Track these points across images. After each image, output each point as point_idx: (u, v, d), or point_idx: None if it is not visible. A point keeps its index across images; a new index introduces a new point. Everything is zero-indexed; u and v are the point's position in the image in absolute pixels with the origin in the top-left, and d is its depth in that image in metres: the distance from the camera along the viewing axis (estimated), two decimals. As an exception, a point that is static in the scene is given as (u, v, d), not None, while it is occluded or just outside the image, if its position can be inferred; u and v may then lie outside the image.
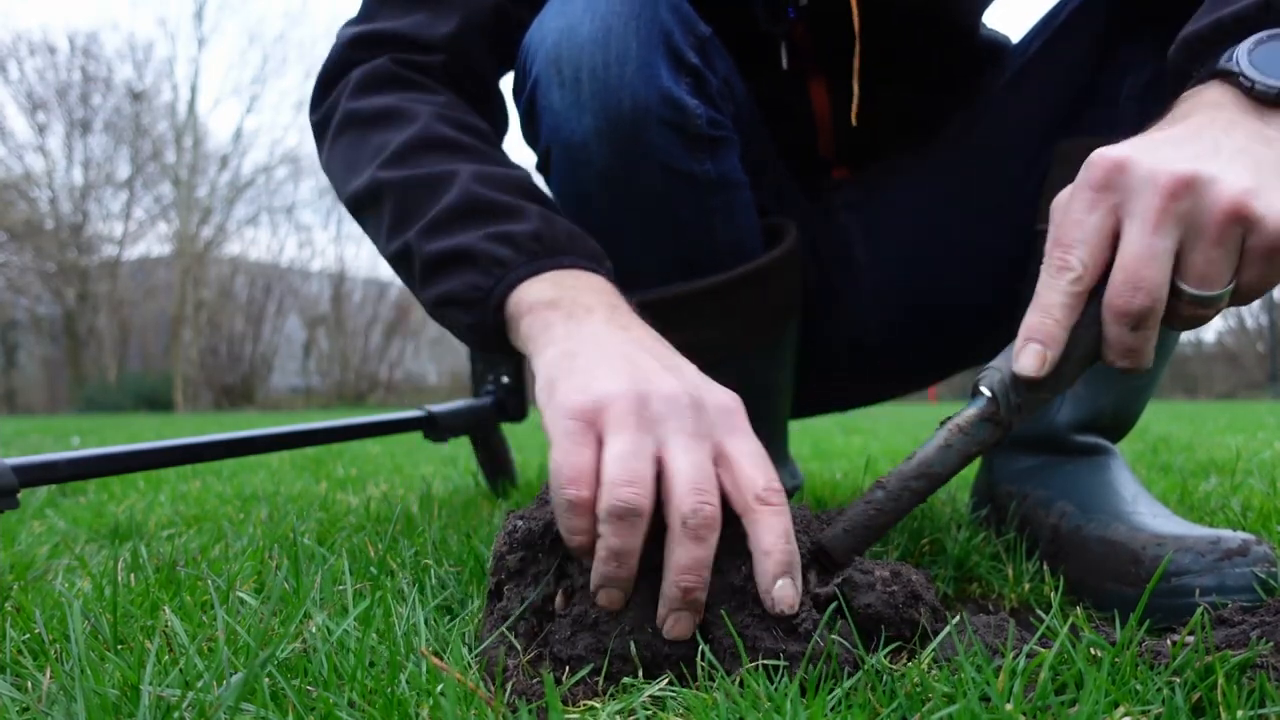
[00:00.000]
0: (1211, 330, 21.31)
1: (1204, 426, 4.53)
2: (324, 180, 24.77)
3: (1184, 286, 0.60)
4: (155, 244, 22.73)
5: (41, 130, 20.05)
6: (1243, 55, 0.64)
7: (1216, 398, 18.08)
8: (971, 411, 0.67)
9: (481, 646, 0.65)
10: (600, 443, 0.62)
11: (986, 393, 0.66)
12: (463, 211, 0.82)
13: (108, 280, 20.45)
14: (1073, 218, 0.62)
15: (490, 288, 0.79)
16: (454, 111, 0.93)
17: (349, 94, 0.96)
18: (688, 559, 0.59)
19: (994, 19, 1.20)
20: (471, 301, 0.80)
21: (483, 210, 0.82)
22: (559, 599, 0.66)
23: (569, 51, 0.91)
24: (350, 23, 1.02)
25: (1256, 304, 20.55)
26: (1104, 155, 0.62)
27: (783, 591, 0.60)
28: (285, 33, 35.51)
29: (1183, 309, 0.61)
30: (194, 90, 22.40)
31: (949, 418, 0.68)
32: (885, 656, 0.60)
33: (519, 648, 0.64)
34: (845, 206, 1.21)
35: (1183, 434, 3.69)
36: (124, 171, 20.91)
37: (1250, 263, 0.60)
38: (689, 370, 0.69)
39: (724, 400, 0.67)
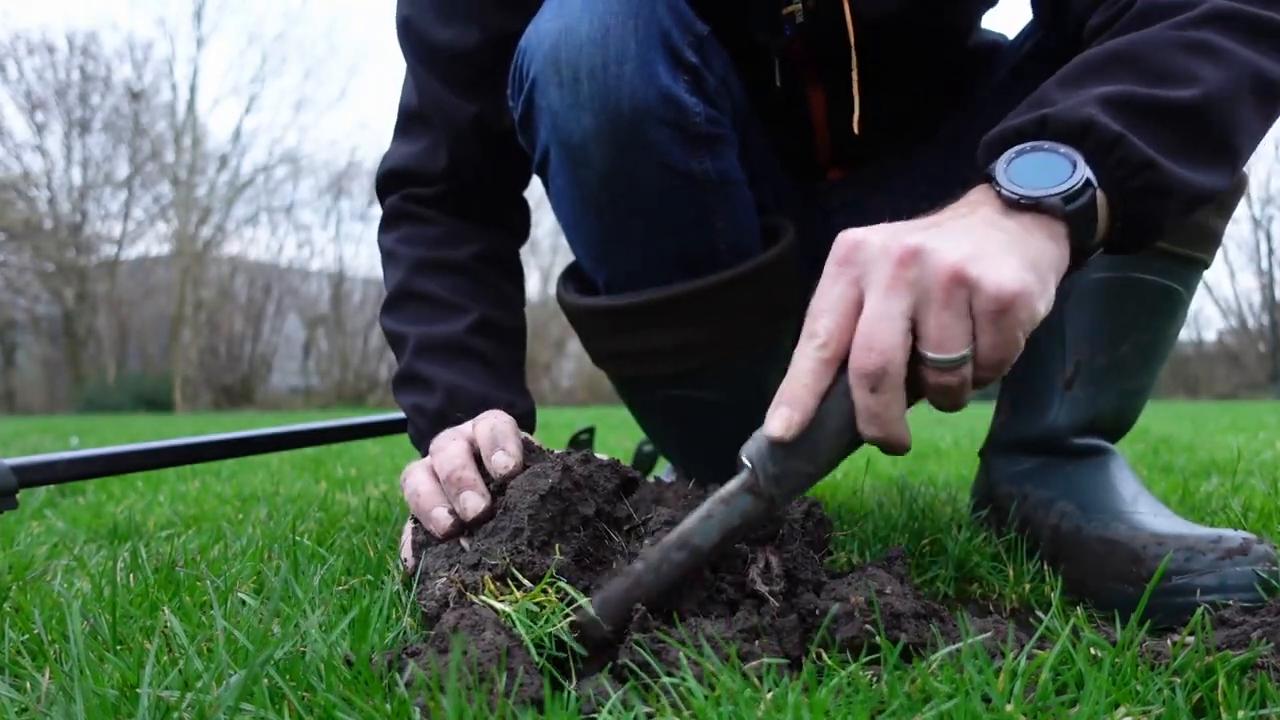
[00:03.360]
0: (1213, 330, 21.34)
1: (1205, 427, 4.54)
2: (323, 180, 24.80)
3: (925, 352, 0.64)
4: (154, 244, 22.75)
5: (40, 130, 20.08)
6: (1002, 163, 0.70)
7: (1218, 398, 18.09)
8: (733, 484, 0.67)
9: (413, 595, 0.73)
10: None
11: (746, 463, 0.67)
12: (403, 379, 1.09)
13: (106, 280, 20.46)
14: (821, 291, 0.67)
15: (418, 440, 1.06)
16: (436, 250, 1.14)
17: (381, 225, 1.21)
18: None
19: (992, 18, 1.20)
20: (414, 440, 1.09)
21: (412, 381, 1.07)
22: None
23: (567, 51, 0.91)
24: (393, 135, 1.20)
25: (1257, 303, 20.59)
26: (846, 235, 0.67)
27: (499, 459, 0.82)
28: (284, 32, 35.65)
29: (929, 376, 0.64)
30: (193, 90, 22.37)
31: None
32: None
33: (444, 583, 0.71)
34: (841, 208, 1.21)
35: (1184, 434, 3.70)
36: (123, 171, 20.96)
37: (982, 328, 0.63)
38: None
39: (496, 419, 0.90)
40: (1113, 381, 1.03)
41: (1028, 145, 0.71)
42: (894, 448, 0.66)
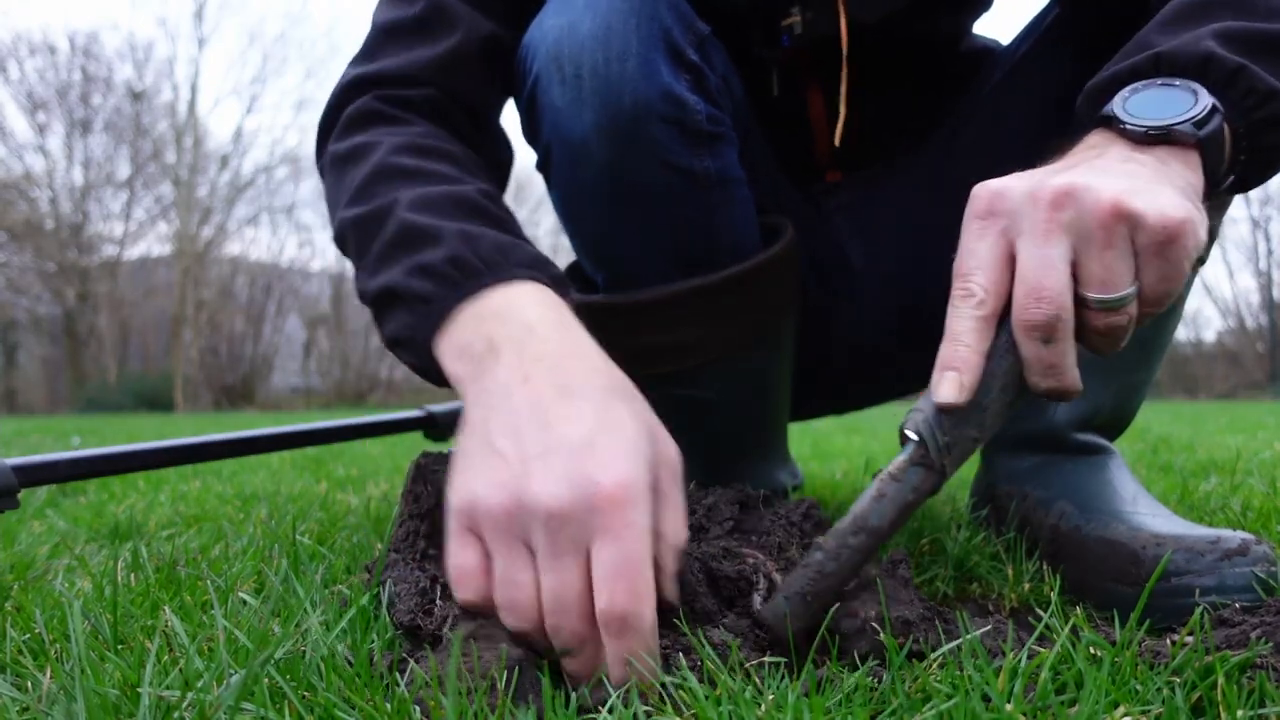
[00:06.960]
0: (1212, 330, 21.33)
1: (1204, 426, 4.54)
2: (324, 180, 24.77)
3: (1088, 294, 0.61)
4: (155, 244, 22.71)
5: (41, 130, 20.05)
6: (1119, 102, 0.68)
7: (1217, 398, 18.07)
8: (901, 458, 0.65)
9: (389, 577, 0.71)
10: (482, 542, 0.61)
11: (913, 436, 0.65)
12: (394, 244, 0.77)
13: (108, 280, 20.45)
14: (966, 249, 0.64)
15: (418, 326, 0.73)
16: (422, 139, 0.89)
17: (335, 136, 0.93)
18: (573, 666, 0.60)
19: (986, 21, 1.20)
20: (409, 343, 0.75)
21: (408, 240, 0.76)
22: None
23: (569, 49, 0.91)
24: (353, 61, 0.99)
25: (1256, 303, 20.59)
26: (983, 186, 0.64)
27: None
28: (285, 33, 35.52)
29: (1093, 319, 0.62)
30: (194, 90, 22.36)
31: (880, 469, 0.66)
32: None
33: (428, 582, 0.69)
34: (839, 209, 1.21)
35: (1183, 434, 3.69)
36: (124, 171, 20.93)
37: (1146, 262, 0.61)
38: (580, 436, 0.61)
39: (607, 487, 0.58)
40: (1111, 376, 1.03)
41: (1140, 84, 0.69)
42: (1069, 395, 0.63)
